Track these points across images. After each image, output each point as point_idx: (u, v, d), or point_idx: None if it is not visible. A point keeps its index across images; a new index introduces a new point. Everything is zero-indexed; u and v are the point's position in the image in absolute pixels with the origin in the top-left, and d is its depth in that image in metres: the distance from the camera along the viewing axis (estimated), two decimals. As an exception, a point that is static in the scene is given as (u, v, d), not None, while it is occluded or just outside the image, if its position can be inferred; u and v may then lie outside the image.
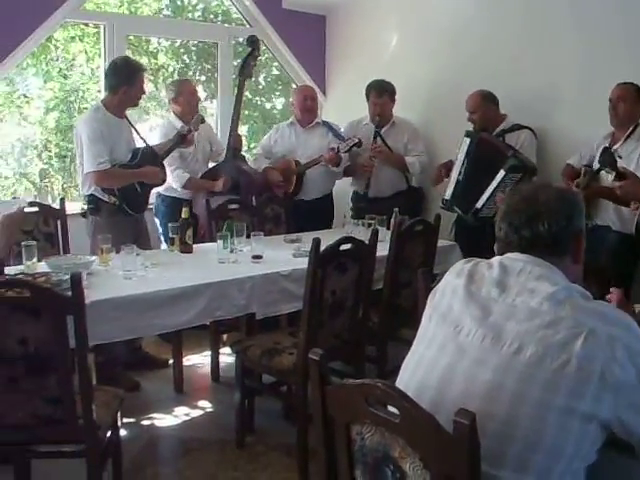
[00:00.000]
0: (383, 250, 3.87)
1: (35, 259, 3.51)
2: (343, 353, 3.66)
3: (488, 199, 4.72)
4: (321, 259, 3.21)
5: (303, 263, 3.80)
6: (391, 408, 1.51)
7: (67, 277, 3.22)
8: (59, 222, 4.56)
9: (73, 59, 6.22)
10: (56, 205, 4.68)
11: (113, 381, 4.12)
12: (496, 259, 1.82)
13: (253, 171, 5.44)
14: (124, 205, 4.43)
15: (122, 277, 3.45)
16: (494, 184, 4.68)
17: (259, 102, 7.27)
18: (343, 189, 5.88)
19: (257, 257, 3.90)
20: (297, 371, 3.31)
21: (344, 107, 6.58)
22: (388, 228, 4.65)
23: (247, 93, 7.04)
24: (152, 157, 4.64)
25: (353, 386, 1.56)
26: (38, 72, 5.99)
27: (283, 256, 4.08)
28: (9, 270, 3.35)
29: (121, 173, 4.44)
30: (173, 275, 3.56)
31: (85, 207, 4.50)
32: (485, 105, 5.00)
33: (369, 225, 4.68)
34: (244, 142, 5.94)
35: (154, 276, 3.52)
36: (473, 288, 1.76)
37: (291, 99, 5.89)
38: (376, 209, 4.97)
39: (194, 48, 6.85)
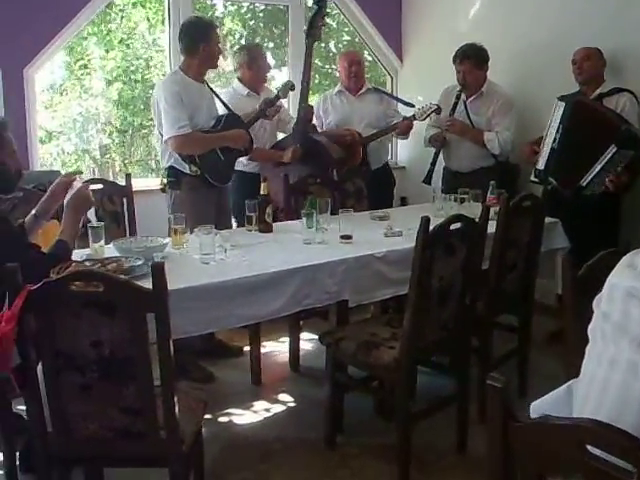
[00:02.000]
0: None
1: (102, 241, 3.17)
2: (448, 345, 3.23)
3: (595, 177, 4.22)
4: (430, 240, 2.77)
5: (396, 244, 3.46)
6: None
7: (140, 262, 2.89)
8: (125, 200, 4.20)
9: (135, 27, 5.82)
10: (121, 181, 4.33)
11: (185, 372, 3.83)
12: None
13: (327, 142, 4.99)
14: (206, 175, 4.13)
15: (199, 261, 3.08)
16: (603, 160, 4.17)
17: (330, 70, 6.77)
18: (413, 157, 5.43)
19: (346, 237, 3.48)
20: (400, 367, 2.89)
21: (422, 73, 6.13)
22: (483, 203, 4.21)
23: (317, 60, 6.61)
24: (237, 124, 4.34)
25: (558, 426, 1.12)
26: (99, 41, 5.61)
27: (373, 236, 3.65)
28: (74, 254, 2.99)
29: (203, 137, 4.16)
30: (255, 259, 3.17)
31: (165, 181, 4.23)
32: (598, 57, 4.54)
33: (461, 200, 4.23)
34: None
35: (234, 260, 3.14)
36: None
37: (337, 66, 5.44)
38: (460, 185, 4.50)
39: (261, 14, 6.40)
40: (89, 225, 3.17)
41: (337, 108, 5.25)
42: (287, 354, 4.34)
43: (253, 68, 4.73)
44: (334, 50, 6.73)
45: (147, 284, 2.17)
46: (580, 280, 1.93)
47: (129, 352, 2.04)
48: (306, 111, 4.74)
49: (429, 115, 4.92)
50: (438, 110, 4.89)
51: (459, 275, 3.02)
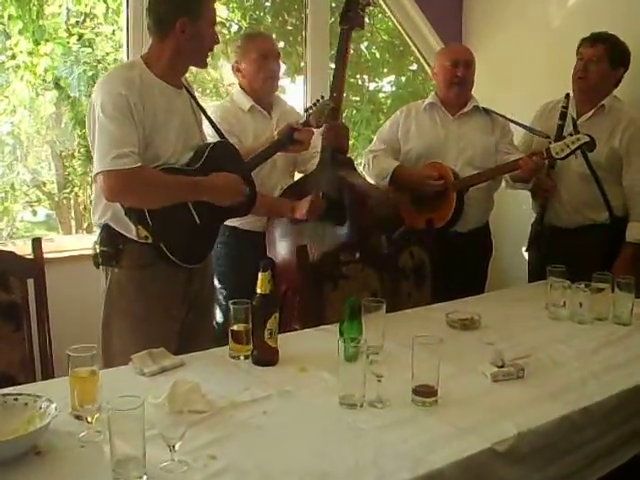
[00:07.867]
0: None
1: None
2: None
3: None
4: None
5: (528, 406, 1.74)
6: None
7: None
8: (32, 284, 2.47)
9: (88, 11, 4.06)
10: (25, 249, 2.60)
11: None
12: None
13: (370, 187, 3.25)
14: (162, 245, 2.33)
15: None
16: None
17: (361, 81, 5.07)
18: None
19: (427, 392, 1.72)
20: None
21: (487, 87, 4.44)
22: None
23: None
24: (229, 162, 2.53)
25: None
26: (27, 28, 3.82)
27: (471, 376, 1.93)
28: None
29: (163, 179, 2.36)
30: (238, 464, 1.42)
31: (97, 249, 2.44)
32: None
33: (598, 290, 2.56)
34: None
35: (191, 472, 1.39)
36: None
37: (432, 67, 3.74)
38: (559, 249, 3.26)
39: (268, 2, 4.73)
40: None
41: (425, 131, 3.49)
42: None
43: (254, 66, 3.03)
44: (367, 54, 5.02)
45: None
46: None
47: None
48: (337, 135, 3.03)
49: (574, 151, 3.11)
50: (591, 145, 3.10)
51: None
